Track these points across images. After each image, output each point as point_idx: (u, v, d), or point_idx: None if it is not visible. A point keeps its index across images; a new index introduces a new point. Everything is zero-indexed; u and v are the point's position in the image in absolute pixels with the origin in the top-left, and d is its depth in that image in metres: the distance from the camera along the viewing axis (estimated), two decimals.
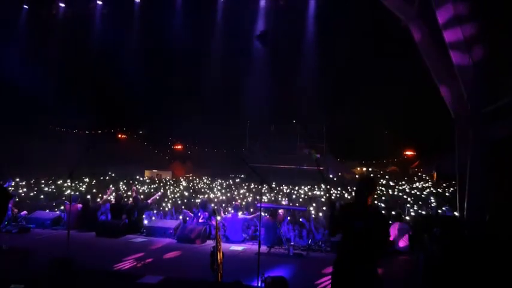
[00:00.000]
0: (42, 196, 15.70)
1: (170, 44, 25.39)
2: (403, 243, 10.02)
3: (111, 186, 17.63)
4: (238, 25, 23.63)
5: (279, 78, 29.60)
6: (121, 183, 20.84)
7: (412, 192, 20.07)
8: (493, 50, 8.76)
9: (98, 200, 13.71)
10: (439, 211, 13.10)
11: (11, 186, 13.65)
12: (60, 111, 26.12)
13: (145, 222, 12.02)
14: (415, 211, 13.78)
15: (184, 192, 17.98)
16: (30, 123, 26.20)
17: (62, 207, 13.39)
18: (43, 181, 19.50)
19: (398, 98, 26.94)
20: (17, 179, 16.69)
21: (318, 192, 18.90)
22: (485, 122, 9.06)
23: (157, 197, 13.75)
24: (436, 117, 19.67)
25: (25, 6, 20.26)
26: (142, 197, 13.93)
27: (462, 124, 10.10)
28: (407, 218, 12.37)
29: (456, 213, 10.88)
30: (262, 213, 10.33)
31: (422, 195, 18.60)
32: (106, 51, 24.34)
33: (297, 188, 21.13)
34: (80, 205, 12.43)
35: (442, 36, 9.08)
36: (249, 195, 17.48)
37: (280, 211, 11.16)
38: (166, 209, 13.89)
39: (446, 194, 18.66)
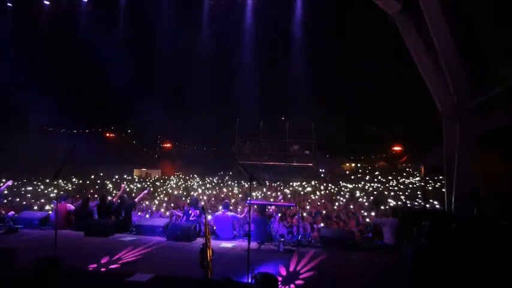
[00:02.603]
0: (29, 195, 15.52)
1: (159, 43, 25.27)
2: (392, 237, 10.08)
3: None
4: (227, 24, 23.56)
5: (268, 76, 29.63)
6: (108, 182, 20.70)
7: (401, 186, 20.25)
8: (479, 41, 8.84)
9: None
10: (427, 205, 13.24)
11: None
12: (47, 110, 25.87)
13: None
14: (402, 204, 13.94)
15: (174, 192, 17.91)
16: (17, 122, 25.89)
17: (48, 207, 13.25)
18: (27, 180, 19.26)
19: (386, 93, 27.18)
20: (3, 179, 16.48)
21: (309, 189, 18.98)
22: (472, 115, 9.15)
23: (145, 195, 13.66)
24: (423, 112, 19.88)
25: (9, 5, 19.90)
26: (127, 196, 13.82)
27: (449, 118, 10.19)
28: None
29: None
30: (252, 210, 10.32)
31: (407, 190, 18.79)
32: (94, 50, 24.11)
33: (289, 185, 21.15)
34: (69, 205, 12.31)
35: (428, 31, 9.14)
36: (238, 193, 17.47)
37: (272, 207, 11.16)
38: (155, 207, 13.82)
39: (429, 188, 18.85)
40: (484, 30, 8.71)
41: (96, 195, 15.43)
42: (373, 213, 12.18)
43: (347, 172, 34.40)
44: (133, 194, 15.86)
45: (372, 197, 16.09)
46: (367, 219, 12.08)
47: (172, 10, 22.18)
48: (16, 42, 21.60)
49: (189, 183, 23.09)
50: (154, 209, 13.85)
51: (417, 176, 25.25)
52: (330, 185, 20.87)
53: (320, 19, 22.92)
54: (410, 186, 19.77)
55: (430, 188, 18.92)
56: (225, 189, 18.94)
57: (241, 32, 23.97)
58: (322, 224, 11.60)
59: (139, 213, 13.05)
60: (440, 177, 21.14)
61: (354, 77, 27.17)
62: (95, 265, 7.62)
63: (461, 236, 7.59)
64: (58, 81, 25.64)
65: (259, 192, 17.09)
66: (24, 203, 14.65)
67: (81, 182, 20.50)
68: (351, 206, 14.04)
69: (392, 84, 26.04)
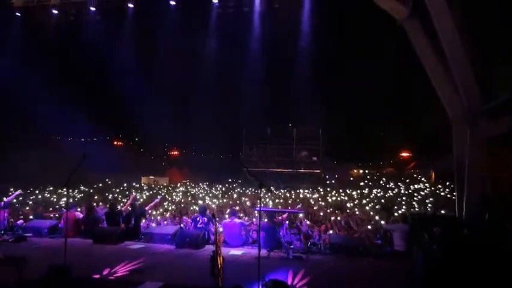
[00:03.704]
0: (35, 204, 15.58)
1: (166, 51, 25.39)
2: (402, 243, 9.98)
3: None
4: (233, 29, 23.62)
5: (274, 81, 29.63)
6: (117, 190, 20.74)
7: (410, 192, 20.09)
8: (488, 44, 8.79)
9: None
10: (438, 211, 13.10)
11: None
12: (55, 119, 26.03)
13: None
14: (412, 210, 13.83)
15: (182, 199, 17.89)
16: (25, 131, 26.07)
17: (57, 215, 13.30)
18: (37, 190, 19.34)
19: (393, 98, 27.08)
20: (11, 189, 16.57)
21: (316, 195, 18.88)
22: (482, 119, 9.06)
23: (157, 204, 13.69)
24: (432, 118, 19.74)
25: (17, 14, 20.09)
26: (139, 203, 13.86)
27: (459, 123, 10.09)
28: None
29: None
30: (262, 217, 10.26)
31: (415, 196, 18.64)
32: (101, 58, 24.28)
33: (297, 192, 21.08)
34: (77, 213, 12.35)
35: (437, 35, 9.09)
36: (246, 200, 17.41)
37: (284, 215, 11.10)
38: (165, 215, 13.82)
39: (441, 193, 18.67)
40: (494, 34, 8.66)
41: (100, 203, 15.45)
42: (382, 221, 12.08)
43: (351, 178, 34.19)
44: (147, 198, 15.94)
45: (380, 204, 15.96)
46: (376, 226, 11.97)
47: (179, 18, 22.28)
48: (24, 51, 21.78)
49: (196, 189, 23.08)
50: (164, 216, 13.81)
51: (426, 182, 25.03)
52: (340, 191, 20.74)
53: (329, 21, 22.93)
54: (421, 193, 19.57)
55: (441, 193, 18.72)
56: (234, 196, 18.89)
57: (246, 38, 24.02)
58: (331, 231, 11.52)
59: (152, 224, 13.02)
60: (447, 183, 20.99)
61: (360, 79, 27.10)
62: (104, 273, 7.61)
63: (473, 242, 7.49)
64: (66, 90, 25.80)
65: (268, 200, 17.02)
66: (35, 208, 14.73)
67: (89, 190, 20.55)
68: (358, 213, 13.93)
69: (402, 88, 25.93)
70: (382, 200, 17.38)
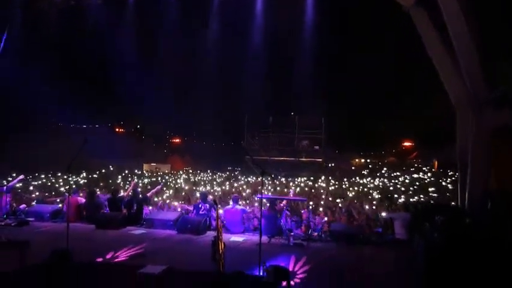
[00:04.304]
0: (36, 191, 15.61)
1: (169, 38, 25.27)
2: (404, 232, 9.98)
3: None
4: (236, 17, 23.52)
5: (277, 71, 29.58)
6: (119, 176, 20.79)
7: (411, 181, 20.12)
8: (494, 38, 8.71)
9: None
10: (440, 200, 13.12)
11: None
12: (57, 105, 26.01)
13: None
14: (414, 199, 13.84)
15: (186, 187, 17.91)
16: (27, 117, 26.07)
17: (58, 200, 13.36)
18: (38, 174, 19.41)
19: (395, 92, 27.10)
20: (14, 174, 16.62)
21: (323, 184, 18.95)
22: (487, 108, 9.00)
23: (158, 190, 13.72)
24: (434, 108, 19.70)
25: None
26: (141, 190, 13.89)
27: (464, 111, 10.02)
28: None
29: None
30: (263, 204, 10.29)
31: (419, 184, 18.67)
32: (103, 45, 24.18)
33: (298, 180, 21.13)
34: (80, 198, 12.39)
35: (443, 23, 8.99)
36: (247, 187, 17.46)
37: (283, 202, 11.13)
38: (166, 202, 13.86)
39: (443, 183, 18.67)
40: (502, 23, 8.57)
41: (103, 189, 15.50)
42: (383, 212, 12.09)
43: (353, 168, 34.23)
44: (149, 187, 16.00)
45: (381, 192, 15.97)
46: (377, 214, 11.98)
47: (182, 6, 22.18)
48: (24, 38, 21.65)
49: (198, 177, 23.13)
50: (168, 203, 13.85)
51: (428, 171, 25.01)
52: (343, 179, 20.80)
53: (332, 12, 22.84)
54: (423, 182, 19.60)
55: (443, 183, 18.72)
56: (236, 184, 18.92)
57: (249, 29, 23.97)
58: (326, 218, 11.54)
59: (149, 208, 13.06)
60: (450, 172, 21.00)
61: (362, 74, 27.06)
62: (106, 257, 7.65)
63: (475, 231, 7.49)
64: (68, 76, 25.71)
65: (270, 187, 17.06)
66: (38, 193, 14.77)
67: (91, 176, 20.61)
68: (358, 202, 13.93)
69: (404, 81, 25.90)
70: (384, 189, 17.40)
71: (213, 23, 24.26)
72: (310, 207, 12.21)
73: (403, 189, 17.34)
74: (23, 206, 12.63)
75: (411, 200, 13.77)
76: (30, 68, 21.87)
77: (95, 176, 21.08)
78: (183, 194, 15.59)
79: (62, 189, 15.78)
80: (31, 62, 21.91)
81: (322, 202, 13.93)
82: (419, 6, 10.28)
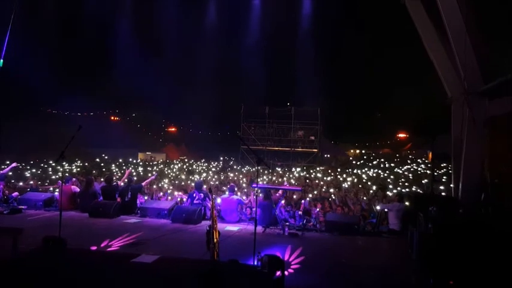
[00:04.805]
0: (30, 177, 15.54)
1: (166, 26, 25.09)
2: (398, 222, 10.02)
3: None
4: (235, 8, 23.44)
5: (274, 62, 29.54)
6: (113, 165, 20.72)
7: (405, 173, 20.18)
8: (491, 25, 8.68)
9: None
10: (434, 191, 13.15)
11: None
12: (52, 92, 25.81)
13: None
14: (408, 190, 13.90)
15: (182, 176, 17.90)
16: (22, 104, 25.86)
17: (51, 188, 13.28)
18: (31, 162, 19.32)
19: (391, 80, 27.10)
20: (7, 162, 16.52)
21: (319, 175, 18.97)
22: (481, 100, 9.01)
23: (152, 180, 13.67)
24: (428, 100, 19.74)
25: None
26: (135, 179, 13.84)
27: (458, 102, 10.04)
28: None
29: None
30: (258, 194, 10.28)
31: (413, 175, 18.74)
32: (101, 32, 23.98)
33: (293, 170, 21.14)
34: (73, 186, 12.29)
35: (439, 15, 8.95)
36: (243, 177, 17.48)
37: (279, 192, 11.14)
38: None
39: (436, 174, 18.76)
40: (497, 14, 8.54)
41: (98, 178, 15.43)
42: (378, 201, 12.13)
43: (351, 158, 34.35)
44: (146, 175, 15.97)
45: (376, 183, 16.03)
46: (372, 205, 12.03)
47: None
48: (22, 24, 21.38)
49: (194, 167, 23.11)
50: (161, 194, 13.82)
51: (422, 163, 25.11)
52: (337, 170, 20.85)
53: (329, 6, 22.81)
54: (417, 172, 19.69)
55: (436, 174, 18.80)
56: (231, 174, 18.92)
57: (248, 18, 23.87)
58: (318, 209, 11.57)
59: (145, 198, 13.01)
60: (444, 164, 21.06)
61: (357, 64, 27.06)
62: (100, 246, 7.62)
63: (468, 221, 7.52)
64: (64, 63, 25.49)
65: (265, 177, 17.08)
66: (31, 182, 14.69)
67: (86, 164, 20.54)
68: (353, 193, 13.98)
69: (398, 69, 25.89)
70: (378, 179, 17.47)
71: (212, 13, 24.13)
72: (308, 198, 12.24)
73: (397, 180, 17.41)
74: (15, 193, 12.55)
75: (405, 190, 13.82)
76: (25, 51, 21.62)
77: (86, 164, 21.00)
78: (182, 183, 15.58)
79: (55, 177, 15.72)
80: (28, 45, 21.66)
81: (315, 192, 13.97)
82: None
